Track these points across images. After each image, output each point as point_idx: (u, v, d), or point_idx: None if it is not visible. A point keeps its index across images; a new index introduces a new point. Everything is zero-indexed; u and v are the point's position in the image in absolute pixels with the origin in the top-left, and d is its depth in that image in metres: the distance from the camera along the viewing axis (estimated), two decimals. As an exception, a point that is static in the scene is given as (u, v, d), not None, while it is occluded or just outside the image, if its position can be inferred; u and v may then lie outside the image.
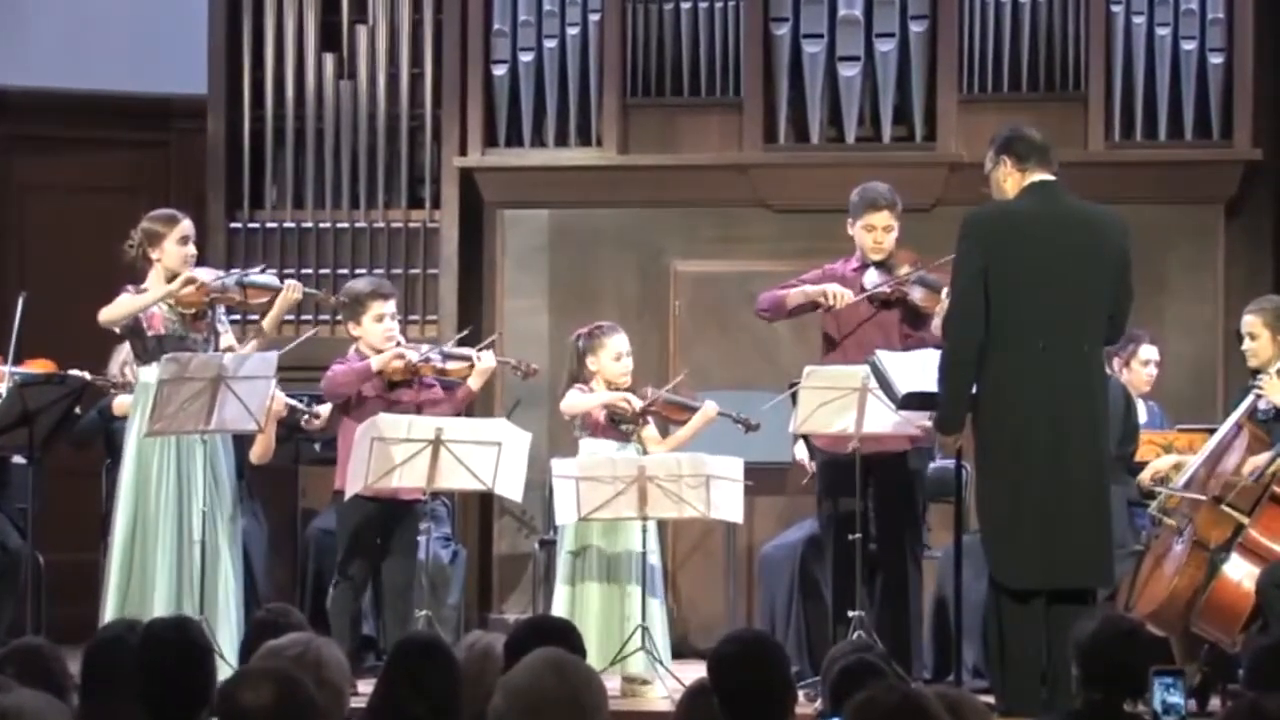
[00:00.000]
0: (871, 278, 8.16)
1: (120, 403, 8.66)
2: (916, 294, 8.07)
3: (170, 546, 7.93)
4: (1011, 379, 6.84)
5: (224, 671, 6.12)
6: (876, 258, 8.17)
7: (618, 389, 8.32)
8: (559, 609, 8.09)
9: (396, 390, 8.27)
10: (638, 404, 8.27)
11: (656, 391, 8.33)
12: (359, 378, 8.17)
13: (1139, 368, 9.06)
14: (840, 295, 8.08)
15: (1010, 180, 7.00)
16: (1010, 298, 6.83)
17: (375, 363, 8.17)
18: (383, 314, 8.27)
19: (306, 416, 8.56)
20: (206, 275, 8.20)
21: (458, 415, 8.35)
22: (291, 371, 8.68)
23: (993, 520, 6.94)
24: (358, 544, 8.18)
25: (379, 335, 8.27)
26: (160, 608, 7.67)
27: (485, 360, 8.34)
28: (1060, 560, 6.79)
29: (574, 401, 8.33)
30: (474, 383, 8.34)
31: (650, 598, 8.17)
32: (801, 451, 8.69)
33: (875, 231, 8.16)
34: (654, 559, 8.27)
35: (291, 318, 9.74)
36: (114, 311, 8.05)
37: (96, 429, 8.98)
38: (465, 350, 8.46)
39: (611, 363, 8.31)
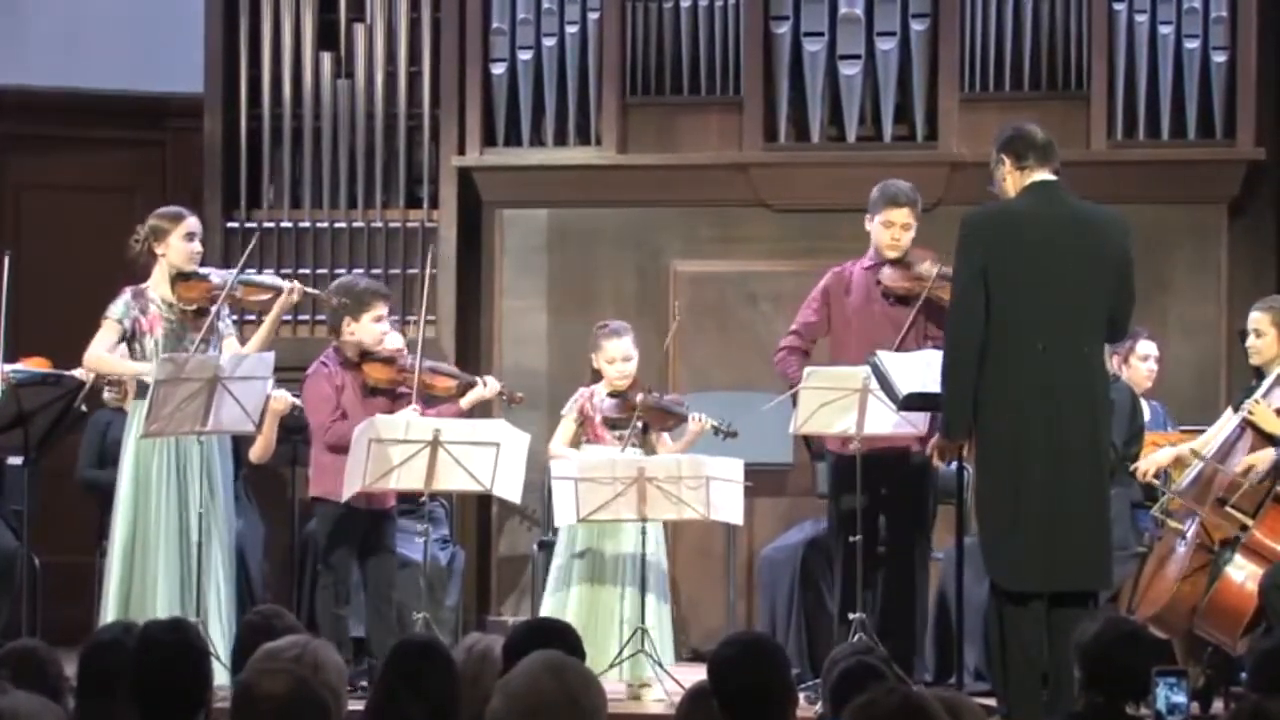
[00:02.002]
0: (888, 275, 8.11)
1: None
2: (944, 290, 7.95)
3: (172, 549, 7.91)
4: (1011, 380, 6.80)
5: (219, 673, 6.13)
6: (892, 255, 8.12)
7: (616, 390, 8.32)
8: (552, 613, 8.05)
9: (376, 397, 8.25)
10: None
11: (647, 397, 8.32)
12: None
13: (1138, 364, 9.02)
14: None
15: (1010, 179, 6.97)
16: (1010, 298, 6.79)
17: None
18: (381, 315, 8.30)
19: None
20: (210, 273, 8.21)
21: None
22: (292, 371, 8.66)
23: (991, 522, 6.90)
24: (337, 545, 8.18)
25: (375, 335, 8.28)
26: (163, 611, 7.65)
27: (489, 389, 8.39)
28: (1059, 562, 6.75)
29: (554, 445, 8.47)
30: (465, 403, 8.38)
31: (656, 600, 8.15)
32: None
33: (893, 229, 8.11)
34: (659, 560, 8.25)
35: (289, 318, 9.72)
36: (101, 363, 8.10)
37: (102, 480, 8.85)
38: (453, 369, 8.52)
39: (607, 365, 8.37)
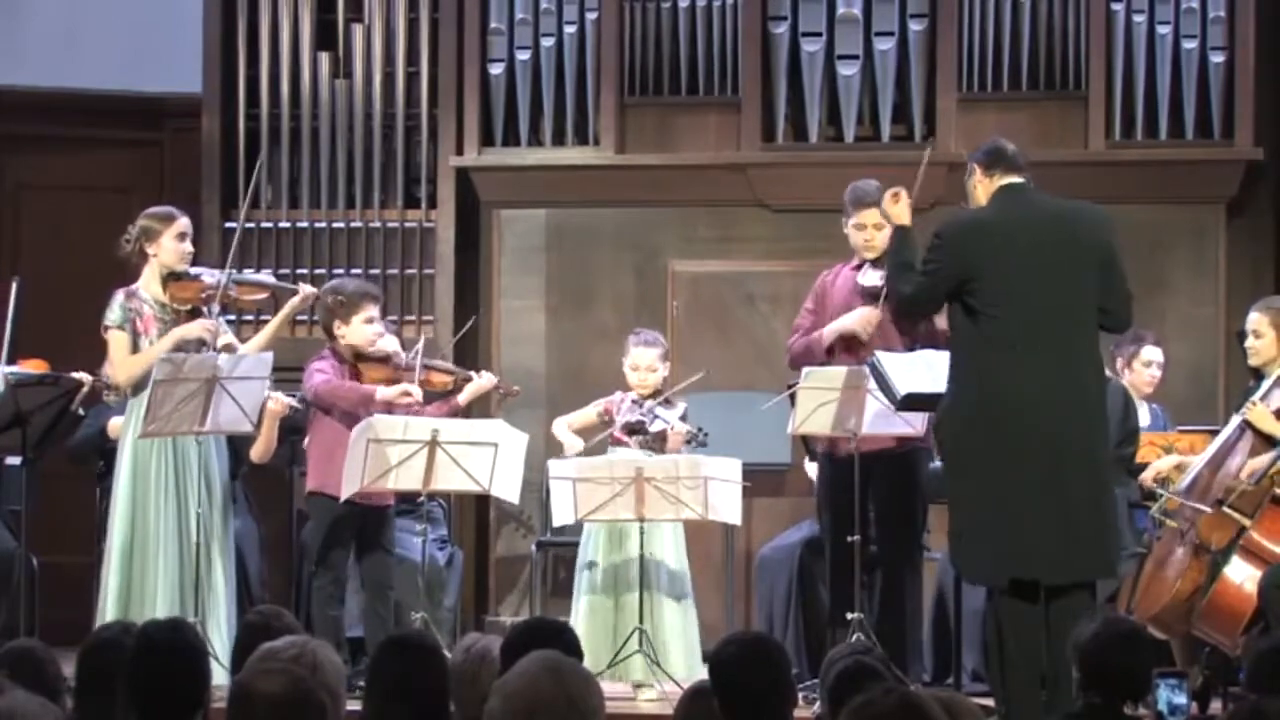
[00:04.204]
0: (869, 276, 8.14)
1: (115, 424, 8.60)
2: None
3: (171, 550, 7.90)
4: (1003, 381, 6.79)
5: (217, 673, 6.13)
6: (869, 256, 8.15)
7: (639, 398, 8.36)
8: (578, 621, 8.00)
9: None
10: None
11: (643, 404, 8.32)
12: (361, 400, 8.12)
13: (1141, 369, 9.01)
14: (871, 322, 8.04)
15: (980, 187, 7.05)
16: (993, 303, 6.80)
17: (380, 394, 8.13)
18: (373, 316, 8.29)
19: (303, 413, 8.57)
20: (202, 272, 8.21)
21: None
22: (291, 371, 8.66)
23: (966, 524, 6.90)
24: (332, 545, 8.17)
25: (366, 337, 8.26)
26: (163, 611, 7.64)
27: (485, 379, 8.39)
28: (1064, 556, 6.74)
29: (560, 422, 8.55)
30: (463, 398, 8.38)
31: (677, 600, 8.13)
32: (812, 471, 8.66)
33: (865, 230, 8.14)
34: (676, 563, 8.23)
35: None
36: (133, 369, 8.01)
37: (93, 447, 8.91)
38: (448, 364, 8.53)
39: (631, 371, 8.39)
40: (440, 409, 8.34)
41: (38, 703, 4.27)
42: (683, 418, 8.31)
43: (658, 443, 8.29)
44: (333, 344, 8.31)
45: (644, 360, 8.37)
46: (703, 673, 4.89)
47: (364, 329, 8.27)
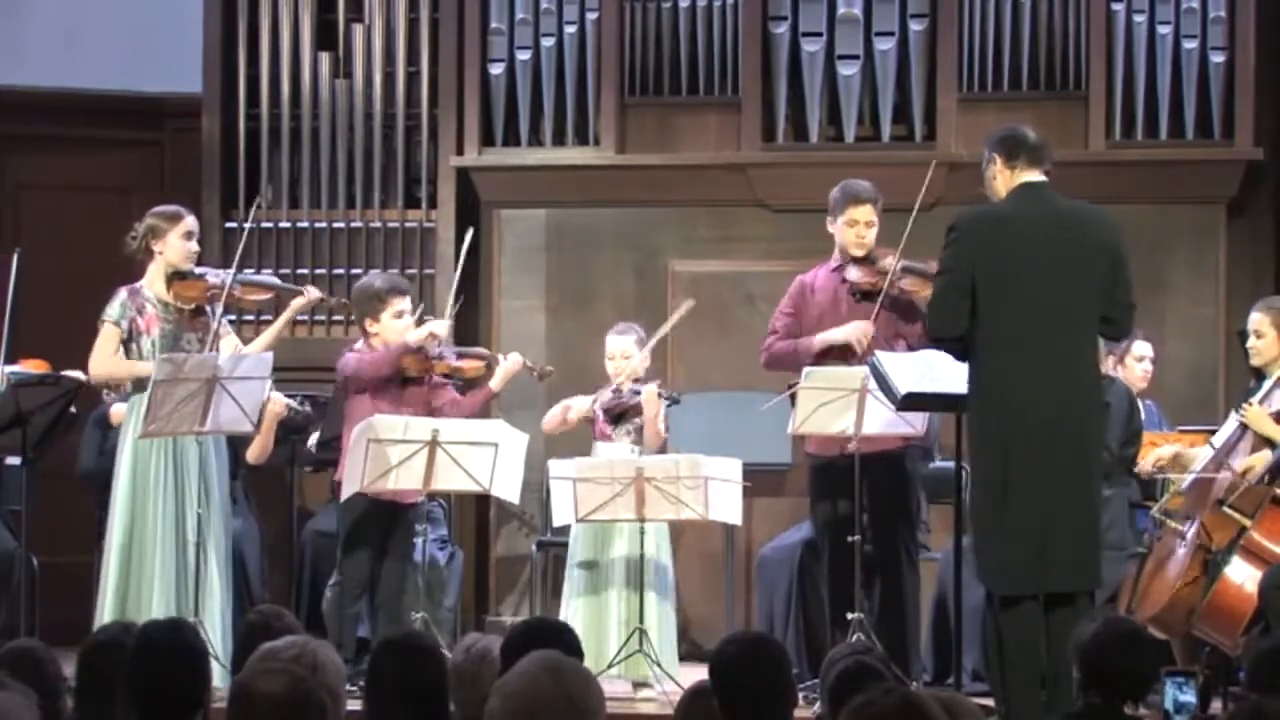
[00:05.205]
0: (854, 273, 8.14)
1: (117, 411, 8.59)
2: (906, 281, 8.04)
3: (169, 550, 7.90)
4: (1001, 380, 6.78)
5: (217, 673, 6.13)
6: (859, 253, 8.16)
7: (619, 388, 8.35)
8: (573, 619, 8.01)
9: (410, 387, 8.25)
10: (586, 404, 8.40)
11: (608, 393, 8.36)
12: (394, 355, 8.16)
13: (1133, 364, 9.00)
14: (867, 335, 8.05)
15: (999, 178, 6.97)
16: (997, 300, 6.78)
17: (411, 337, 8.18)
18: (402, 310, 8.31)
19: (302, 415, 8.57)
20: (207, 272, 8.22)
21: (475, 415, 8.41)
22: (291, 371, 8.65)
23: (980, 525, 6.89)
24: (357, 543, 8.15)
25: (398, 332, 8.28)
26: (158, 611, 7.64)
27: (510, 360, 8.40)
28: (1049, 564, 6.72)
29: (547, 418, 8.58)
30: (495, 384, 8.37)
31: (657, 598, 8.13)
32: None
33: (857, 226, 8.15)
34: (660, 559, 8.23)
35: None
36: (110, 369, 8.07)
37: (109, 477, 8.86)
38: (478, 349, 8.52)
39: (607, 361, 8.42)
40: (474, 400, 8.37)
41: (18, 701, 4.28)
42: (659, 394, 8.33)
43: (637, 416, 8.29)
44: (369, 340, 8.34)
45: (618, 347, 8.42)
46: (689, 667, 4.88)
47: (394, 324, 8.29)
